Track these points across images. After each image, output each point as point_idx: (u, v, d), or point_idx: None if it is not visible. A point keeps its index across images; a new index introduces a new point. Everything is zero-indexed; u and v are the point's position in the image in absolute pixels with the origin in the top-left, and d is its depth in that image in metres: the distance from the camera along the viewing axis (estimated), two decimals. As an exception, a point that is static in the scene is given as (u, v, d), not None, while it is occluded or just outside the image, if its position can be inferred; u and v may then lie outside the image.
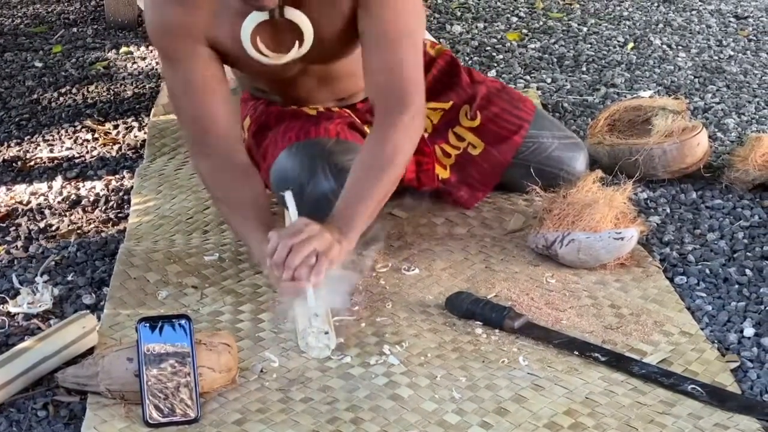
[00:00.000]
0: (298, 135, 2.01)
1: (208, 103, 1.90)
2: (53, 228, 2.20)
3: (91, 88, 3.08)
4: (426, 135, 2.17)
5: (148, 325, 1.54)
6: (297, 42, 1.88)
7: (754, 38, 3.47)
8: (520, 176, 2.20)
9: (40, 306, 1.86)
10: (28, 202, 2.34)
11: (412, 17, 1.90)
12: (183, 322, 1.55)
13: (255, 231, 1.85)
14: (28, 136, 2.72)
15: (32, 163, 2.56)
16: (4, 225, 2.23)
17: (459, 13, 3.80)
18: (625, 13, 3.78)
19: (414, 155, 2.11)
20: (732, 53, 3.30)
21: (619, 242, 1.93)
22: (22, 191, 2.40)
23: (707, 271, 1.99)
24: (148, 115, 2.81)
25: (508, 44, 3.43)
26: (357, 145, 1.98)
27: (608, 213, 1.95)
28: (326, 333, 1.68)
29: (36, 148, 2.64)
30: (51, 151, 2.62)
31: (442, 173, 2.17)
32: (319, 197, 1.92)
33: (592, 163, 2.33)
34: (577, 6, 3.90)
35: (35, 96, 3.01)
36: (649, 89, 2.98)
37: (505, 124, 2.22)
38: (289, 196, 1.88)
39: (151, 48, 3.44)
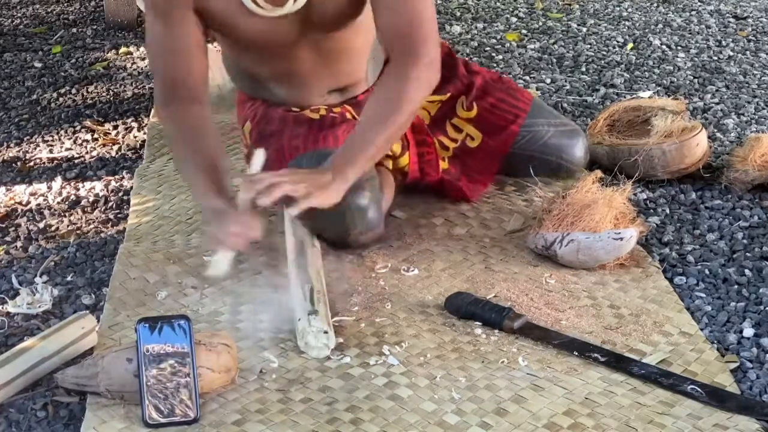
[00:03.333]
0: (306, 145, 2.00)
1: (184, 63, 1.91)
2: (53, 228, 2.20)
3: (91, 88, 3.08)
4: (426, 125, 2.17)
5: (147, 325, 1.54)
6: None
7: (754, 38, 3.48)
8: (520, 166, 2.20)
9: (39, 306, 1.86)
10: (28, 203, 2.34)
11: None
12: (182, 322, 1.55)
13: (204, 185, 1.83)
14: (28, 137, 2.72)
15: (32, 163, 2.56)
16: (4, 225, 2.22)
17: (458, 14, 3.80)
18: (625, 14, 3.78)
19: (417, 147, 2.10)
20: (731, 53, 3.30)
21: (618, 242, 1.93)
22: (21, 192, 2.40)
23: (707, 271, 1.99)
24: (148, 116, 2.81)
25: (508, 45, 3.43)
26: None
27: (607, 213, 1.95)
28: (325, 332, 1.68)
29: (35, 148, 2.64)
30: (50, 151, 2.62)
31: (442, 165, 2.17)
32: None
33: (591, 164, 2.33)
34: (577, 6, 3.91)
35: (35, 96, 3.01)
36: (649, 90, 2.98)
37: (502, 114, 2.22)
38: (260, 154, 1.87)
39: (150, 48, 3.44)
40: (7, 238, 2.16)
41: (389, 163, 2.11)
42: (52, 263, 2.04)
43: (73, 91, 3.05)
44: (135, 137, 2.70)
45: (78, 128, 2.76)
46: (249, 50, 2.05)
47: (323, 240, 1.97)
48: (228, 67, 2.20)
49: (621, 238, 1.93)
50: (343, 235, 1.95)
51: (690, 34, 3.53)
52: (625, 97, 2.89)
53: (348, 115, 2.10)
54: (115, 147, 2.64)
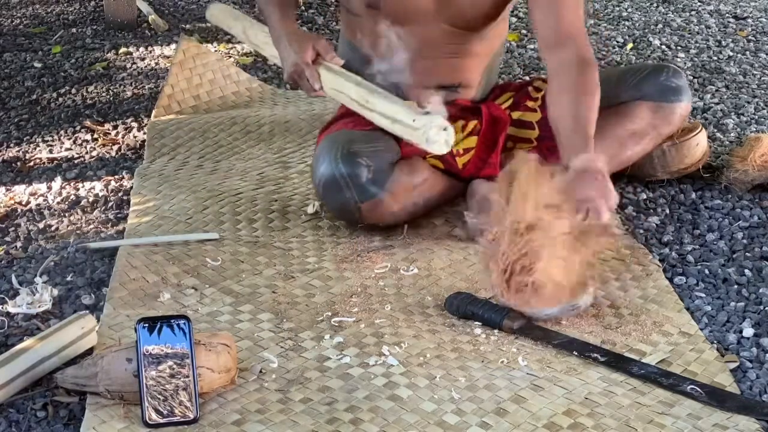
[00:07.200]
0: (342, 127, 2.06)
1: None
2: (52, 228, 2.20)
3: (91, 88, 3.08)
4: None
5: (147, 326, 1.54)
6: None
7: (753, 39, 3.48)
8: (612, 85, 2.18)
9: (39, 306, 1.86)
10: (28, 203, 2.34)
11: None
12: (182, 322, 1.55)
13: (280, 19, 2.12)
14: (28, 137, 2.72)
15: (31, 163, 2.56)
16: (4, 225, 2.23)
17: (458, 14, 3.80)
18: (624, 14, 3.78)
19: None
20: (731, 54, 3.30)
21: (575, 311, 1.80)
22: (21, 192, 2.40)
23: (706, 271, 1.99)
24: (148, 116, 2.81)
25: (508, 45, 3.43)
26: (384, 137, 2.00)
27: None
28: (445, 129, 1.68)
29: (35, 148, 2.64)
30: (50, 151, 2.62)
31: (534, 116, 2.17)
32: (325, 180, 1.98)
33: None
34: (577, 6, 3.90)
35: (34, 96, 3.01)
36: (649, 90, 2.98)
37: None
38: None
39: (150, 48, 3.44)
40: (7, 238, 2.16)
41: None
42: (52, 263, 2.04)
43: (73, 91, 3.05)
44: (135, 137, 2.70)
45: (78, 128, 2.76)
46: (381, 21, 2.09)
47: (338, 219, 2.02)
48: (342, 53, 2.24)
49: (578, 307, 1.80)
50: (346, 207, 2.00)
51: (690, 34, 3.53)
52: (624, 97, 2.88)
53: None
54: (115, 147, 2.64)
